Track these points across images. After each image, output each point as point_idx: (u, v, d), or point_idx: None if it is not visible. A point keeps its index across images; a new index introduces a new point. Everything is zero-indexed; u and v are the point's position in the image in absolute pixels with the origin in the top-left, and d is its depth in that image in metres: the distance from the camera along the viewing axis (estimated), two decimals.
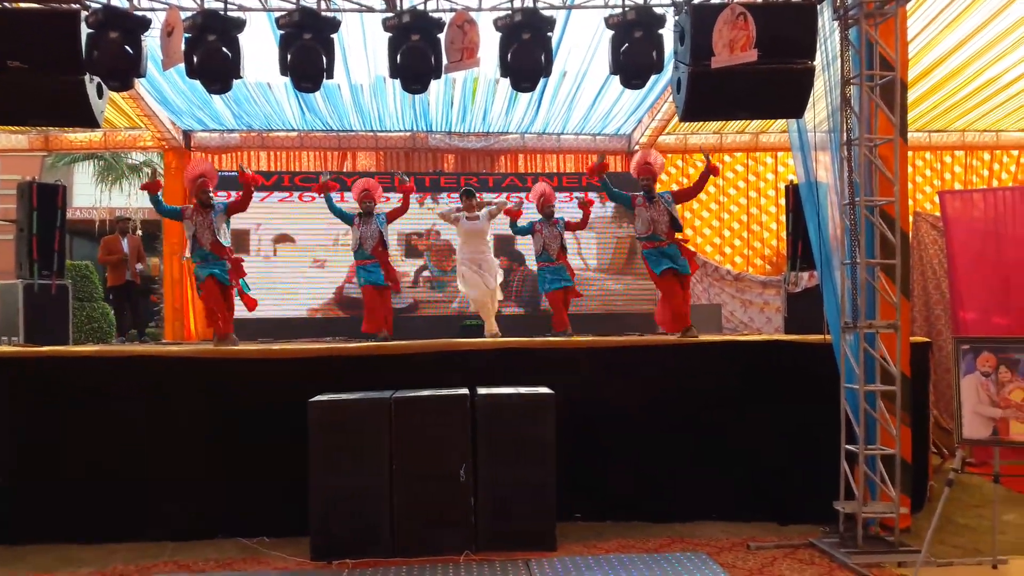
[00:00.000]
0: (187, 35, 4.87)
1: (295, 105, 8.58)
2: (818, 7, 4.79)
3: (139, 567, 4.44)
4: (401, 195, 6.74)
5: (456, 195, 8.34)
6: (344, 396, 4.68)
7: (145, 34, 4.93)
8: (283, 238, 9.35)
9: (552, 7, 5.20)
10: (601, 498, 5.13)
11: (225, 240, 5.98)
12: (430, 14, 4.98)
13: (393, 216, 6.75)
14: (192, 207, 5.98)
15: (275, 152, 9.59)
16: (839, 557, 4.37)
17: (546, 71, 5.09)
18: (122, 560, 4.53)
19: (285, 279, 9.28)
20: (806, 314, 5.92)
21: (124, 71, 4.90)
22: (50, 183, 6.94)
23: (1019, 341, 4.29)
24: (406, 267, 9.31)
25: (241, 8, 5.11)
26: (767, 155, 9.67)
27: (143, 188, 6.05)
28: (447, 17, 4.93)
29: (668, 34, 5.09)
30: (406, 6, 5.09)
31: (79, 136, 8.96)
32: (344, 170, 9.49)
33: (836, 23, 4.85)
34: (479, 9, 5.22)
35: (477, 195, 7.35)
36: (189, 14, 4.89)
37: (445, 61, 4.96)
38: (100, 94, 5.06)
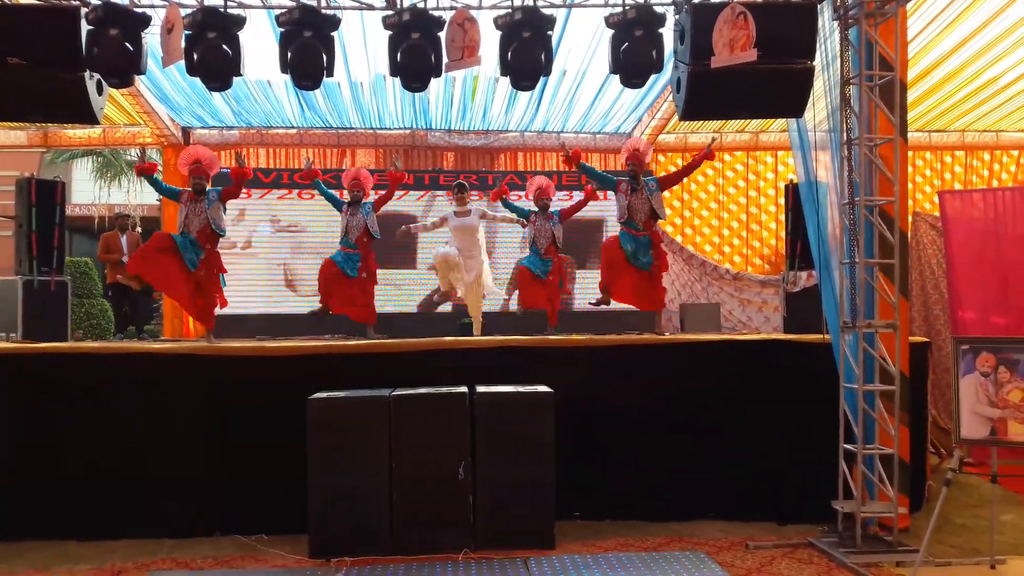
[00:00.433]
0: (187, 32, 4.86)
1: (295, 102, 8.56)
2: (818, 7, 4.79)
3: (137, 564, 4.44)
4: (389, 181, 6.70)
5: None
6: (343, 394, 4.67)
7: (145, 31, 4.92)
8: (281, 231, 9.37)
9: (552, 6, 5.20)
10: (600, 497, 5.13)
11: (219, 229, 5.96)
12: (430, 12, 4.98)
13: (379, 204, 6.68)
14: (187, 193, 5.99)
15: (274, 149, 9.57)
16: (838, 557, 4.38)
17: (546, 70, 5.09)
18: (120, 557, 4.53)
19: (283, 275, 9.29)
20: (805, 314, 5.91)
21: (124, 68, 4.92)
22: (49, 179, 6.90)
23: (1018, 341, 4.31)
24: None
25: (241, 5, 5.11)
26: (767, 154, 9.65)
27: (137, 171, 6.06)
28: (447, 15, 4.92)
29: (668, 33, 5.08)
30: (406, 4, 5.08)
31: (78, 132, 8.93)
32: (343, 167, 9.46)
33: (836, 23, 4.85)
34: (479, 7, 5.21)
35: (468, 192, 7.34)
36: (189, 11, 4.89)
37: (445, 59, 4.95)
38: (100, 91, 5.07)
